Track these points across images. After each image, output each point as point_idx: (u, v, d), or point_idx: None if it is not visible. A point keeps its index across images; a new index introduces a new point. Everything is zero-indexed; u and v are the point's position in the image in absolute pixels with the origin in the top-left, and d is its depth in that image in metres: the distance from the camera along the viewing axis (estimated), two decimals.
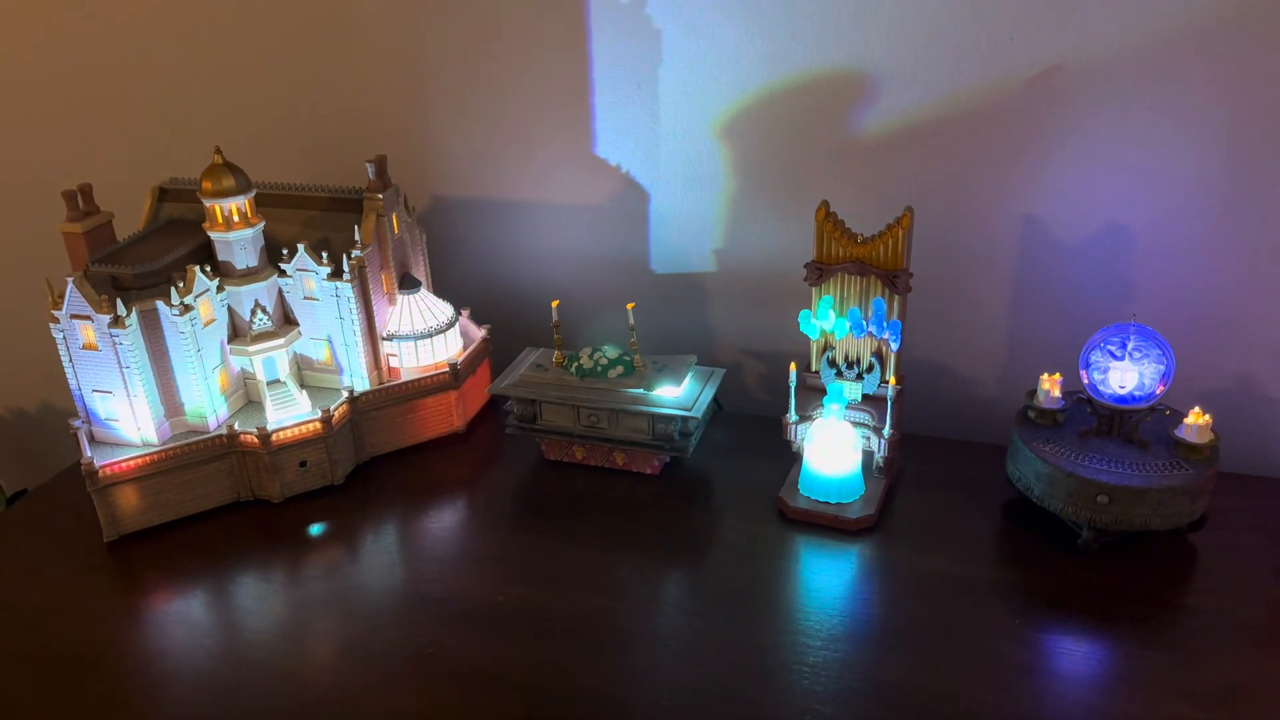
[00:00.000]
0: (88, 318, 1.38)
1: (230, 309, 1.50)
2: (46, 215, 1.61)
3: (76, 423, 1.45)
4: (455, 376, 1.60)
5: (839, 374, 1.42)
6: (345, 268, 1.49)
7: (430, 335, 1.58)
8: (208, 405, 1.47)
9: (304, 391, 1.53)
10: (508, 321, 1.79)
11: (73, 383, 1.44)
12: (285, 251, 1.50)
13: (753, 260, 1.69)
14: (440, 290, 1.70)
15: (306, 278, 1.51)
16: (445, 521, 1.48)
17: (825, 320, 1.38)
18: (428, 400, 1.59)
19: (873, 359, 1.40)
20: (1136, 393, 1.31)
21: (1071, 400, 1.39)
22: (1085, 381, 1.34)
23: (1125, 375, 1.31)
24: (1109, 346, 1.31)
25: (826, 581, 1.32)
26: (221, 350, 1.50)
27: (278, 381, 1.52)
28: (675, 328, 1.78)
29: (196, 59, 1.83)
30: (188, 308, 1.41)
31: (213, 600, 1.34)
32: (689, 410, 1.46)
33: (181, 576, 1.37)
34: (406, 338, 1.58)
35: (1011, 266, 1.57)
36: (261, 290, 1.50)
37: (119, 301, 1.37)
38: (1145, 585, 1.27)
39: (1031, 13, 1.41)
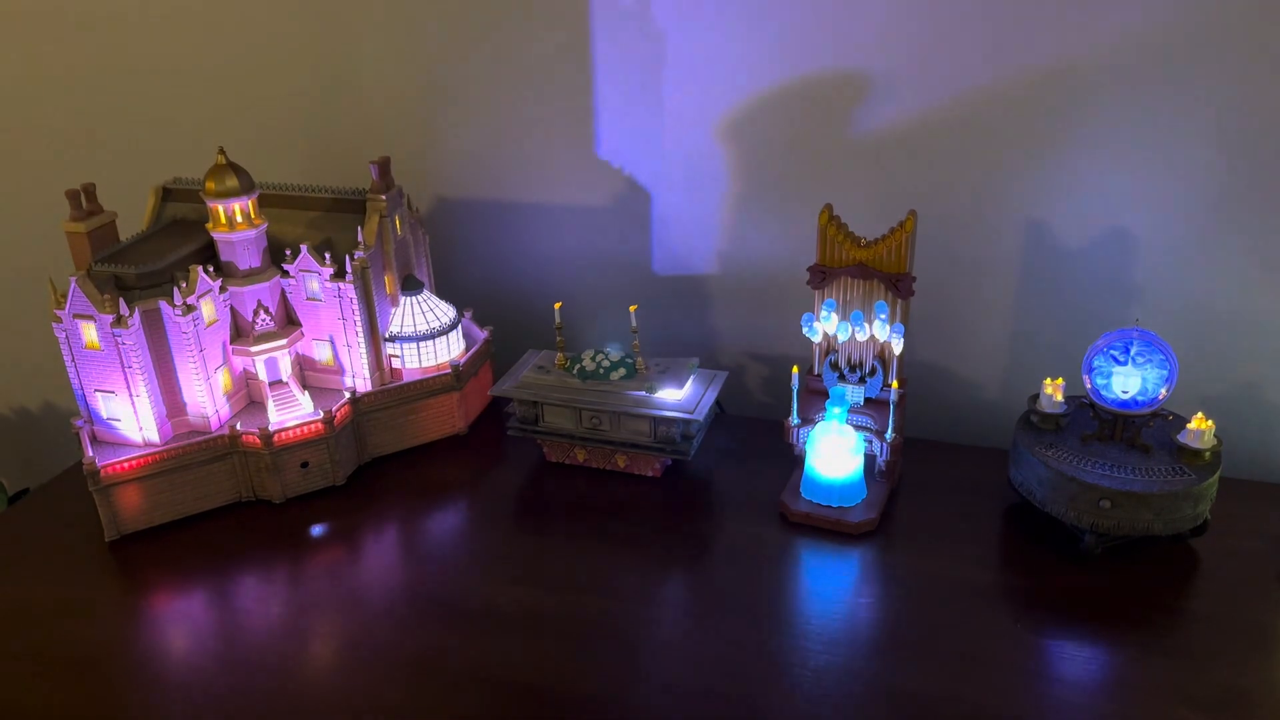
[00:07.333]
0: (90, 317, 1.38)
1: (233, 309, 1.50)
2: (50, 214, 1.61)
3: (78, 422, 1.45)
4: (457, 378, 1.60)
5: (841, 377, 1.42)
6: (348, 269, 1.49)
7: (433, 337, 1.58)
8: (210, 405, 1.47)
9: (306, 392, 1.53)
10: (510, 323, 1.78)
11: (75, 382, 1.43)
12: (288, 252, 1.50)
13: (756, 263, 1.69)
14: (443, 292, 1.70)
15: (309, 278, 1.51)
16: (446, 523, 1.48)
17: (828, 323, 1.37)
18: (430, 401, 1.59)
19: (875, 362, 1.40)
20: (1139, 398, 1.31)
21: (1074, 405, 1.39)
22: (1088, 386, 1.34)
23: (1128, 380, 1.31)
24: (1112, 351, 1.31)
25: (828, 585, 1.32)
26: (224, 350, 1.49)
27: (280, 382, 1.52)
28: (678, 330, 1.78)
29: (201, 58, 1.83)
30: (190, 307, 1.41)
31: (213, 601, 1.33)
32: (691, 413, 1.46)
33: (182, 577, 1.37)
34: (409, 339, 1.58)
35: (1014, 270, 1.57)
36: (264, 290, 1.50)
37: (122, 301, 1.37)
38: (1147, 590, 1.27)
39: (1036, 15, 1.40)
